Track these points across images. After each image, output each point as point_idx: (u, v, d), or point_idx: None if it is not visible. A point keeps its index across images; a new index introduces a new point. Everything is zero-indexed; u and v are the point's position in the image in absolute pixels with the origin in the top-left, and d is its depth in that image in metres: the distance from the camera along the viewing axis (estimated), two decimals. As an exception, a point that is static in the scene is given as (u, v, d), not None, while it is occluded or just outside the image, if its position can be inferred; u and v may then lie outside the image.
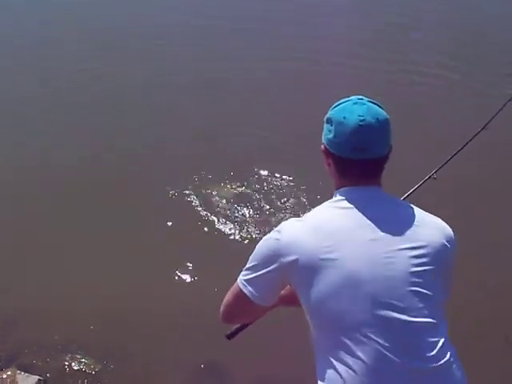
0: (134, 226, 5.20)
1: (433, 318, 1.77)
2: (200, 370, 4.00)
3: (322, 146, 1.98)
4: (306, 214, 1.94)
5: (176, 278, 4.71)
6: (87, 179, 5.77)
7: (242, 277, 1.96)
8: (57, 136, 6.51)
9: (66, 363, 4.06)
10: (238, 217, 5.30)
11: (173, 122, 6.69)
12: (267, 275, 1.89)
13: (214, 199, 5.51)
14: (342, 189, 1.94)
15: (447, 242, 1.87)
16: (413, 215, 1.89)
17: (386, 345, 1.72)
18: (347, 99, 1.95)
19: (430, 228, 1.87)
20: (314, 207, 1.97)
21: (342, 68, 7.70)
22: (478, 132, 3.21)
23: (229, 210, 5.38)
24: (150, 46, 8.69)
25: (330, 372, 1.78)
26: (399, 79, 7.56)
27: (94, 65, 8.07)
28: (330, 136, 1.92)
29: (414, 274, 1.78)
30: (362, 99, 1.93)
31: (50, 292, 4.56)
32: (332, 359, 1.77)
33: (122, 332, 4.26)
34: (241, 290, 1.94)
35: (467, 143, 3.12)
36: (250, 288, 1.92)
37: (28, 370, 3.94)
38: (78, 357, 4.10)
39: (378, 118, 1.87)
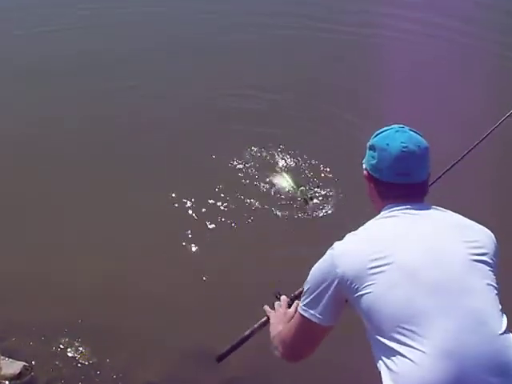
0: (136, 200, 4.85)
1: (494, 300, 1.83)
2: (192, 356, 3.76)
3: (365, 172, 2.10)
4: (361, 228, 2.03)
5: (177, 257, 4.40)
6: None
7: (302, 303, 2.01)
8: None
9: (54, 348, 3.76)
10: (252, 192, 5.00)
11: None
12: (325, 292, 1.93)
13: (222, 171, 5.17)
14: (387, 206, 2.04)
15: (495, 243, 1.97)
16: (462, 219, 2.02)
17: (455, 327, 1.73)
18: (389, 127, 2.08)
19: (479, 229, 1.99)
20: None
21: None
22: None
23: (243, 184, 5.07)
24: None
25: (398, 360, 1.75)
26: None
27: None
28: (374, 162, 2.04)
29: (473, 261, 1.86)
30: (403, 127, 2.06)
31: (40, 268, 4.23)
32: (399, 350, 1.75)
33: (115, 315, 3.97)
34: (302, 317, 2.00)
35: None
36: (311, 311, 1.96)
37: (12, 355, 3.66)
38: (68, 342, 3.80)
39: (419, 146, 2.00)
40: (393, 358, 1.76)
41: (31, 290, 4.09)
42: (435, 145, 2.21)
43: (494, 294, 1.85)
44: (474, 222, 2.02)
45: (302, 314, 2.00)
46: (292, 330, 2.08)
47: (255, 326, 2.44)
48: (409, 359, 1.72)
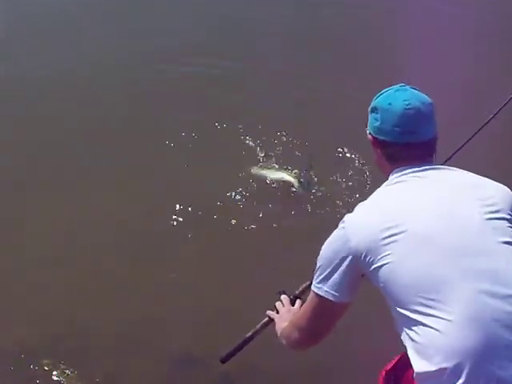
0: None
1: None
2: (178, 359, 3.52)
3: (370, 137, 2.04)
4: (370, 197, 1.97)
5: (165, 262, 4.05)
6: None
7: (315, 281, 1.94)
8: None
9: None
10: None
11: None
12: (338, 267, 1.88)
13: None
14: (395, 170, 1.97)
15: (507, 194, 1.91)
16: (474, 177, 1.95)
17: (476, 291, 1.68)
18: (389, 88, 2.03)
19: (493, 185, 1.93)
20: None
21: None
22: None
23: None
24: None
25: (422, 331, 1.68)
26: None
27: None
28: (377, 124, 1.98)
29: (488, 220, 1.80)
30: (403, 85, 2.02)
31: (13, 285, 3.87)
32: (422, 320, 1.69)
33: (99, 330, 3.64)
34: (317, 295, 1.93)
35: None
36: (325, 288, 1.90)
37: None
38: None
39: (423, 102, 1.95)
40: (416, 329, 1.70)
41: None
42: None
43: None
44: (487, 179, 1.95)
45: (316, 293, 1.94)
46: (307, 312, 2.02)
47: (258, 326, 2.42)
48: (433, 329, 1.66)
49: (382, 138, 1.99)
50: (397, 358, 2.16)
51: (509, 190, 1.93)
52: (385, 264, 1.77)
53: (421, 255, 1.74)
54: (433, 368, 1.66)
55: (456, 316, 1.65)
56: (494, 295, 1.67)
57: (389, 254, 1.77)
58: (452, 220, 1.79)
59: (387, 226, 1.79)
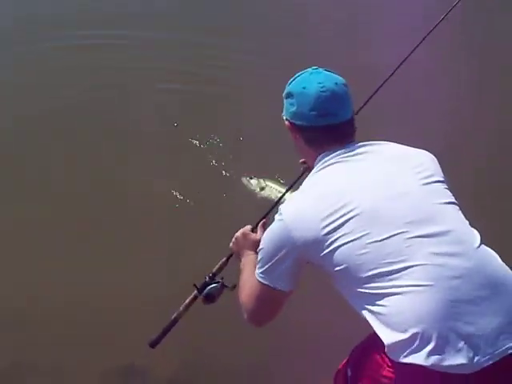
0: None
1: (460, 216, 1.86)
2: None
3: (287, 123, 2.03)
4: (300, 188, 1.98)
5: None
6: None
7: (259, 271, 1.96)
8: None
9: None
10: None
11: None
12: (284, 259, 1.89)
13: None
14: (320, 156, 1.96)
15: (436, 162, 1.99)
16: (400, 147, 2.00)
17: (434, 254, 1.72)
18: (302, 72, 2.04)
19: (419, 152, 1.99)
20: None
21: None
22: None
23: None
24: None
25: (388, 302, 1.71)
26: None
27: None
28: (294, 109, 1.98)
29: (426, 185, 1.86)
30: (317, 68, 2.03)
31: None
32: (387, 292, 1.71)
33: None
34: (261, 284, 1.95)
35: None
36: (270, 278, 1.93)
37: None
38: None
39: (336, 83, 1.97)
40: (381, 302, 1.72)
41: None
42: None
43: (457, 210, 1.87)
44: (411, 148, 2.01)
45: (261, 282, 1.96)
46: (252, 298, 2.01)
47: (181, 307, 2.38)
48: (398, 297, 1.70)
49: (299, 122, 1.98)
50: (346, 359, 2.09)
51: (431, 154, 2.01)
52: (337, 247, 1.78)
53: (372, 231, 1.76)
54: (403, 336, 1.67)
55: (418, 281, 1.69)
56: (450, 255, 1.73)
57: (339, 237, 1.77)
58: (393, 191, 1.83)
59: (329, 211, 1.80)
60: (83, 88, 5.28)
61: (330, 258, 1.80)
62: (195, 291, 2.35)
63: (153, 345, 2.34)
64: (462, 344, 1.65)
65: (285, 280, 1.92)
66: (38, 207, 4.13)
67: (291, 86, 2.02)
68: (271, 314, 2.05)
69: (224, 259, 2.37)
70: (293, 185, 2.44)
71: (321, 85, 1.94)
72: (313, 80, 1.97)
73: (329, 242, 1.79)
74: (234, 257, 2.35)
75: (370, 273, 1.73)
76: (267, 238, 1.96)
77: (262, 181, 4.22)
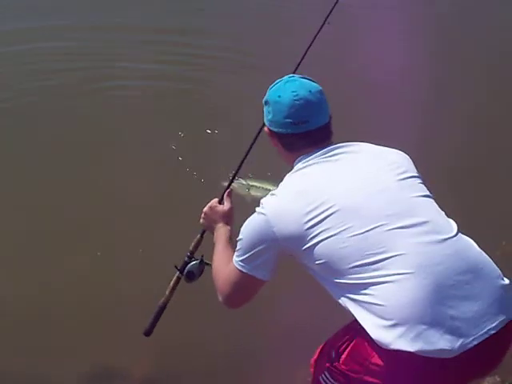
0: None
1: (437, 208, 1.94)
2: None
3: (266, 129, 2.12)
4: (280, 186, 2.02)
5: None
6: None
7: (238, 258, 2.00)
8: None
9: None
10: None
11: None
12: (265, 251, 1.94)
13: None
14: (299, 157, 2.03)
15: (409, 159, 2.07)
16: (375, 147, 2.08)
17: (416, 243, 1.79)
18: (279, 80, 2.11)
19: (392, 151, 2.07)
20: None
21: None
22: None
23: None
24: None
25: (375, 291, 1.76)
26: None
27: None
28: (270, 116, 2.07)
29: (403, 180, 1.94)
30: (292, 76, 2.11)
31: None
32: (372, 281, 1.77)
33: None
34: (240, 272, 1.99)
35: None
36: (249, 267, 1.97)
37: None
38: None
39: (310, 91, 2.02)
40: (365, 291, 1.77)
41: None
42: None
43: (432, 203, 1.95)
44: (384, 147, 2.09)
45: (239, 269, 2.00)
46: (230, 283, 2.05)
47: (167, 291, 2.41)
48: (384, 286, 1.75)
49: (276, 129, 2.06)
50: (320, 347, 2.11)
51: (404, 153, 2.10)
52: (319, 241, 1.83)
53: (353, 224, 1.82)
54: (389, 323, 1.72)
55: (401, 270, 1.75)
56: (429, 243, 1.80)
57: (321, 232, 1.83)
58: (371, 187, 1.90)
59: (310, 207, 1.85)
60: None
61: (311, 252, 1.85)
62: (177, 272, 2.39)
63: (147, 333, 2.37)
64: (446, 329, 1.71)
65: (264, 269, 1.97)
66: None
67: (268, 95, 2.09)
68: (246, 299, 2.11)
69: (198, 236, 2.39)
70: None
71: (294, 93, 2.00)
72: (287, 89, 2.03)
73: (310, 237, 1.84)
74: (207, 232, 2.38)
75: (353, 264, 1.79)
76: (248, 229, 1.99)
77: (246, 182, 4.12)
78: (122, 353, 3.26)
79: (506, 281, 1.86)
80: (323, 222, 1.83)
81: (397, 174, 1.95)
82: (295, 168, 2.04)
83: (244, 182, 4.08)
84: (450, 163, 4.53)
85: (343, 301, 1.84)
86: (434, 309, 1.72)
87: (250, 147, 2.39)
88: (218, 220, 2.28)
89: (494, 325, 1.76)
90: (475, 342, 1.73)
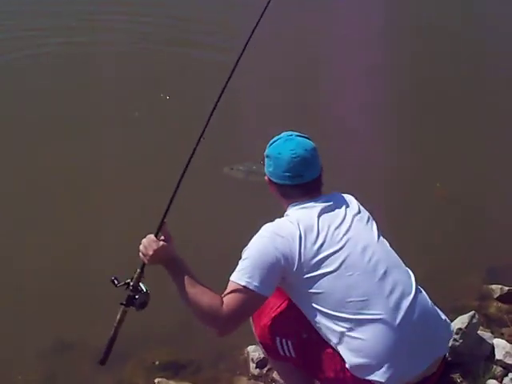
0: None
1: (395, 257, 2.30)
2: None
3: (266, 178, 2.42)
4: (281, 220, 2.32)
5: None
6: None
7: (242, 276, 2.14)
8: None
9: None
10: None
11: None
12: (270, 269, 2.15)
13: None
14: (291, 204, 2.35)
15: (359, 205, 2.41)
16: (346, 199, 2.42)
17: (393, 299, 2.16)
18: (279, 137, 2.41)
19: (351, 201, 2.41)
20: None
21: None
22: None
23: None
24: None
25: (357, 338, 2.12)
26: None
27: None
28: (271, 169, 2.37)
29: (375, 233, 2.31)
30: (291, 135, 2.40)
31: None
32: (353, 324, 2.13)
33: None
34: (244, 288, 2.13)
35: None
36: (255, 283, 2.13)
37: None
38: None
39: (306, 149, 2.34)
40: (350, 334, 2.12)
41: None
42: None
43: (389, 248, 2.32)
44: (347, 196, 2.44)
45: (244, 286, 2.13)
46: (232, 299, 2.13)
47: (115, 324, 2.25)
48: (368, 331, 2.12)
49: (275, 180, 2.37)
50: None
51: (353, 198, 2.44)
52: (322, 274, 2.15)
53: (349, 269, 2.17)
54: (364, 361, 2.12)
55: (378, 316, 2.12)
56: (403, 298, 2.17)
57: (323, 269, 2.16)
58: (354, 241, 2.22)
59: (319, 243, 2.18)
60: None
61: (311, 281, 2.15)
62: (122, 305, 2.24)
63: (102, 362, 2.29)
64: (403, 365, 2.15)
65: (268, 286, 2.16)
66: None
67: (269, 150, 2.40)
68: (246, 319, 2.28)
69: (139, 270, 2.25)
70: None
71: (293, 151, 2.31)
72: (286, 147, 2.33)
73: (316, 268, 2.15)
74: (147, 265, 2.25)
75: (344, 301, 2.14)
76: (256, 246, 2.21)
77: (246, 166, 4.20)
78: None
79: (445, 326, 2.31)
80: (327, 261, 2.16)
81: (363, 224, 2.31)
82: (288, 211, 2.35)
83: (241, 168, 4.22)
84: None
85: (325, 332, 2.18)
86: (395, 353, 2.12)
87: (178, 186, 2.30)
88: (164, 256, 2.20)
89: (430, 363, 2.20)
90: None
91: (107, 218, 4.04)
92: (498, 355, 3.01)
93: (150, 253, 2.17)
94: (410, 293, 2.20)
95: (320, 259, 2.16)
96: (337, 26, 6.25)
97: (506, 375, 2.96)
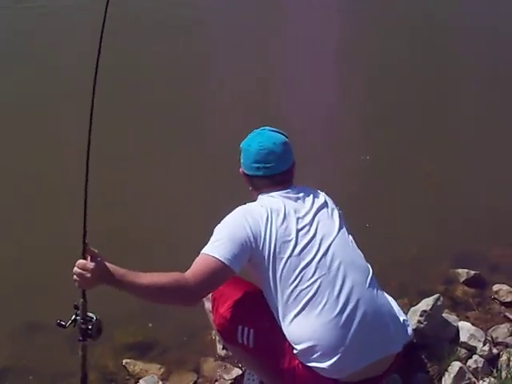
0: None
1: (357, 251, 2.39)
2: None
3: (240, 169, 2.55)
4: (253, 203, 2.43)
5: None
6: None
7: (215, 249, 2.18)
8: None
9: None
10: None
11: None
12: (241, 246, 2.21)
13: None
14: (260, 193, 2.47)
15: (326, 198, 2.50)
16: (312, 189, 2.51)
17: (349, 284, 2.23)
18: (252, 132, 2.55)
19: (318, 194, 2.49)
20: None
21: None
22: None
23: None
24: None
25: (304, 323, 2.17)
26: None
27: None
28: (243, 160, 2.52)
29: (334, 218, 2.40)
30: (264, 129, 2.54)
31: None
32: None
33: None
34: (215, 259, 2.16)
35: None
36: (227, 256, 2.17)
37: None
38: None
39: (274, 142, 2.45)
40: (299, 318, 2.18)
41: None
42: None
43: (347, 234, 2.39)
44: (314, 189, 2.51)
45: (217, 258, 2.16)
46: (202, 269, 2.15)
47: (80, 362, 2.19)
48: (316, 317, 2.17)
49: (246, 171, 2.51)
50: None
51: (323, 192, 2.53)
52: (279, 259, 2.22)
53: (301, 260, 2.24)
54: (306, 346, 2.17)
55: (325, 308, 2.18)
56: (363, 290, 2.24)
57: (283, 253, 2.23)
58: (314, 231, 2.30)
59: (283, 227, 2.27)
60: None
61: (272, 263, 2.22)
62: (80, 341, 2.14)
63: None
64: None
65: (237, 260, 2.19)
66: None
67: (243, 143, 2.54)
68: (211, 289, 2.28)
69: (82, 300, 2.11)
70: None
71: (260, 144, 2.44)
72: (256, 139, 2.48)
73: (278, 250, 2.23)
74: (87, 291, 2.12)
75: (297, 287, 2.20)
76: (229, 223, 2.30)
77: None
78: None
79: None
80: (285, 245, 2.24)
81: (325, 213, 2.38)
82: (258, 199, 2.45)
83: None
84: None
85: (276, 310, 2.24)
86: (345, 338, 2.16)
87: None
88: (102, 272, 2.05)
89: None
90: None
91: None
92: (463, 337, 3.07)
93: (89, 275, 2.01)
94: (363, 287, 2.24)
95: (283, 243, 2.24)
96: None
97: (471, 357, 3.02)
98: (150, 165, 4.40)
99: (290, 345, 2.22)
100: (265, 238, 2.24)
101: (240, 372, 2.94)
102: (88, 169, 2.04)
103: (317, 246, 2.26)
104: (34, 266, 3.60)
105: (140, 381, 2.88)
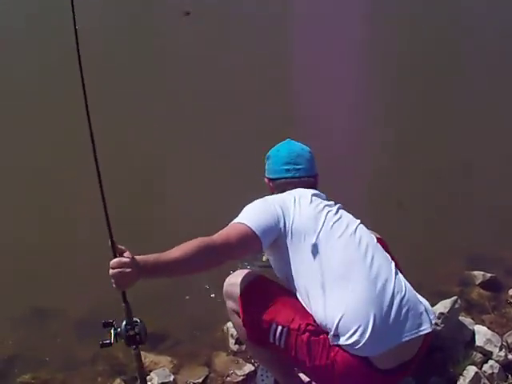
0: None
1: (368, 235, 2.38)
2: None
3: (265, 179, 2.63)
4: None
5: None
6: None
7: (245, 217, 2.27)
8: None
9: None
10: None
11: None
12: (270, 220, 2.27)
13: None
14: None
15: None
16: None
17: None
18: (279, 143, 2.67)
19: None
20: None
21: None
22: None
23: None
24: None
25: (337, 302, 2.16)
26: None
27: None
28: (270, 166, 2.62)
29: (339, 210, 2.41)
30: (290, 140, 2.69)
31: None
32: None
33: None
34: (246, 226, 2.22)
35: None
36: (256, 225, 2.22)
37: None
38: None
39: (302, 149, 2.63)
40: (331, 298, 2.18)
41: None
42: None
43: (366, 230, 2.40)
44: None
45: (247, 225, 2.22)
46: (228, 235, 2.19)
47: (137, 371, 2.13)
48: (348, 296, 2.17)
49: (273, 176, 2.59)
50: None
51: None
52: (307, 239, 2.25)
53: (330, 240, 2.27)
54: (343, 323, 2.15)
55: (358, 286, 2.19)
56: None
57: (310, 235, 2.26)
58: (341, 219, 2.34)
59: (311, 210, 2.33)
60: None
61: (297, 245, 2.26)
62: (133, 349, 2.07)
63: None
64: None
65: (266, 234, 2.24)
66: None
67: (270, 152, 2.65)
68: (238, 252, 2.28)
69: (123, 304, 2.05)
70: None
71: (290, 148, 2.61)
72: (285, 145, 2.64)
73: (305, 232, 2.27)
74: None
75: (327, 267, 2.22)
76: (260, 204, 2.36)
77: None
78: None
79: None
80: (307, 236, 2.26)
81: (332, 210, 2.37)
82: None
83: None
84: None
85: (305, 293, 2.24)
86: (378, 313, 2.15)
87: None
88: (136, 270, 1.96)
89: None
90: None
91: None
92: (479, 342, 3.01)
93: (128, 270, 1.94)
94: (389, 269, 2.26)
95: (313, 218, 2.30)
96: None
97: (486, 362, 2.96)
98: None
99: (325, 339, 2.18)
100: (294, 215, 2.30)
101: (252, 368, 2.90)
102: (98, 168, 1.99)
103: (344, 226, 2.32)
104: (42, 253, 3.61)
105: (151, 373, 2.83)
